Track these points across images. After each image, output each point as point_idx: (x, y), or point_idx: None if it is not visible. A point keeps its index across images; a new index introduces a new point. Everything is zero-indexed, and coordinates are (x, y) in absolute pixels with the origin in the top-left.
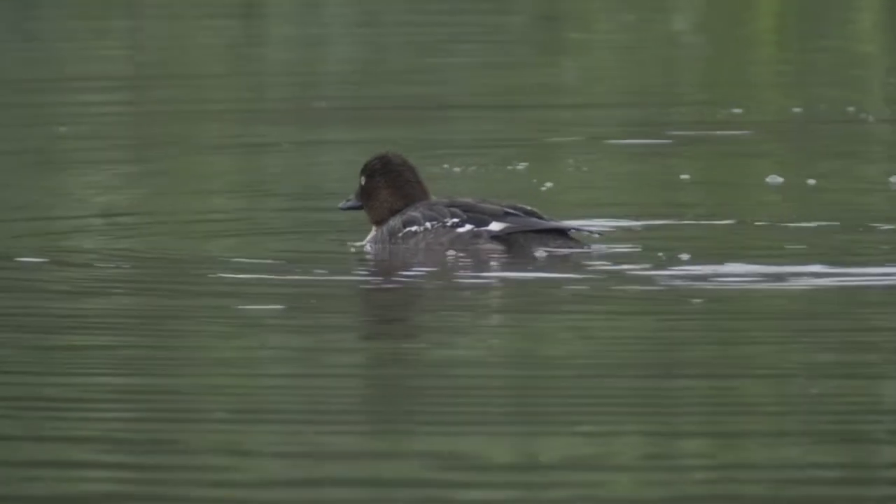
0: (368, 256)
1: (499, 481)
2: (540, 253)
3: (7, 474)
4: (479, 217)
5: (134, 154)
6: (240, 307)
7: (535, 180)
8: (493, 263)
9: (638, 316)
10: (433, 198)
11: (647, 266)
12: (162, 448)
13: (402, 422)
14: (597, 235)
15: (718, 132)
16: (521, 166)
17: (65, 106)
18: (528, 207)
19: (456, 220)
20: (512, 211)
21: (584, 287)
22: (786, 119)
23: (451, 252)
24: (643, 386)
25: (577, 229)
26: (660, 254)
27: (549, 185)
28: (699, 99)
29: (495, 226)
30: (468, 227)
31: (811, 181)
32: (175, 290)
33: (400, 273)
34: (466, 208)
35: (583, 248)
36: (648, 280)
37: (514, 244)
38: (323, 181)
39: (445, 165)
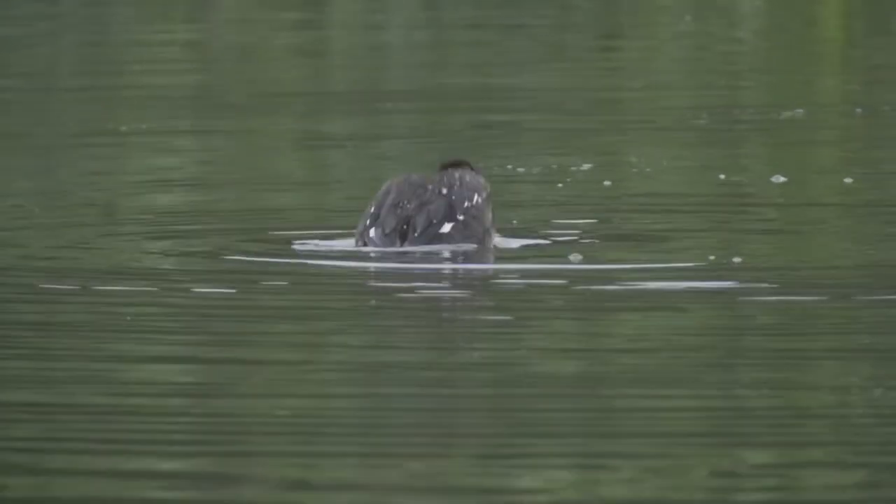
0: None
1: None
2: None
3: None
4: None
5: (197, 142)
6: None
7: (595, 177)
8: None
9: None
10: None
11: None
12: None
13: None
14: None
15: (782, 129)
16: (586, 166)
17: (128, 90)
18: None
19: None
20: (402, 202)
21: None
22: (847, 118)
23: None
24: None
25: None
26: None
27: (607, 183)
28: (762, 96)
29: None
30: None
31: (847, 180)
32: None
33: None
34: None
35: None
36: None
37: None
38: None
39: (509, 166)
